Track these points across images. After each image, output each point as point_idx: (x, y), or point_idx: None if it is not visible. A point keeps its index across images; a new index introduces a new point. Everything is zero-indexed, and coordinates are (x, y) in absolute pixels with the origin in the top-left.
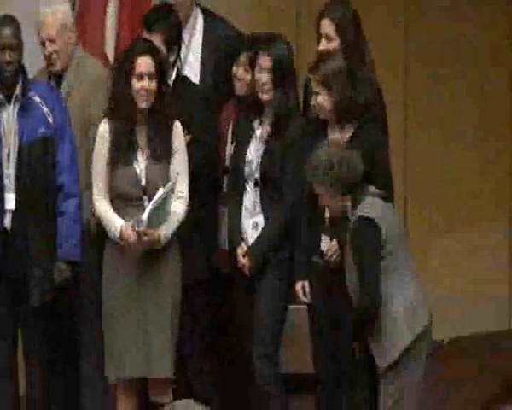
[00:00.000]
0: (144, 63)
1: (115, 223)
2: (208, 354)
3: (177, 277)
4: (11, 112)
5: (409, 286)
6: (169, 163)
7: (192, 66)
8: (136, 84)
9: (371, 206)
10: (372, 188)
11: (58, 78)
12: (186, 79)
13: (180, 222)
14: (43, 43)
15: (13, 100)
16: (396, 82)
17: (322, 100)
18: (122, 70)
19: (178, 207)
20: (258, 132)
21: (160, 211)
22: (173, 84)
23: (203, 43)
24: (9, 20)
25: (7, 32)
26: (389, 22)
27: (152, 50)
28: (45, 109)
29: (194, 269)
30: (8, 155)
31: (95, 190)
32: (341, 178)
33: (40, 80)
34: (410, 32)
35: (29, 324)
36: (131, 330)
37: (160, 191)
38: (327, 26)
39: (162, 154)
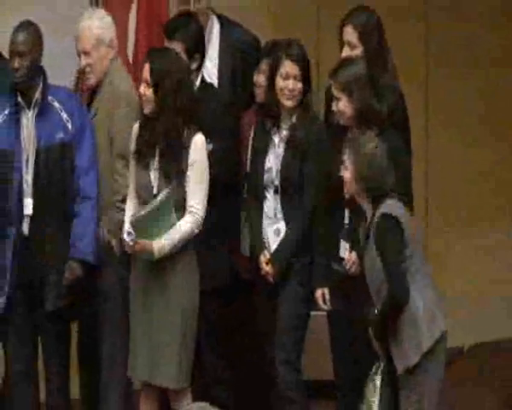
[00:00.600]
0: (144, 69)
1: (124, 228)
2: (226, 359)
3: (189, 286)
4: (30, 117)
5: (427, 290)
6: (183, 176)
7: (210, 71)
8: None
9: (393, 206)
10: (393, 193)
11: (93, 93)
12: (210, 85)
13: (184, 236)
14: (79, 56)
15: (32, 105)
16: (417, 84)
17: (343, 106)
18: None
19: (184, 220)
20: (275, 139)
21: (152, 220)
22: (197, 90)
23: (220, 49)
24: (25, 26)
25: (18, 38)
26: (409, 25)
27: (152, 56)
28: (64, 115)
29: (214, 276)
30: (28, 160)
31: (128, 191)
32: (371, 182)
33: (60, 86)
34: (430, 35)
35: (47, 330)
36: (140, 335)
37: (152, 203)
38: (350, 34)
39: (171, 173)
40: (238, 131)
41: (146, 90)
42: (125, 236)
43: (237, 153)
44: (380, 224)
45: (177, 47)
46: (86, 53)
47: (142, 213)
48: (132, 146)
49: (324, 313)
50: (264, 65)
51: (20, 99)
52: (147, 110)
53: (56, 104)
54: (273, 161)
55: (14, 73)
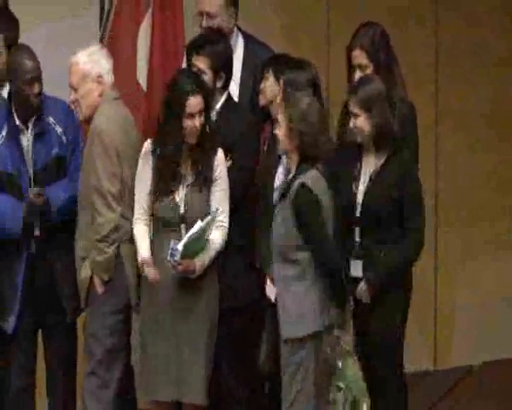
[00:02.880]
0: (195, 103)
1: (141, 253)
2: (241, 376)
3: (212, 303)
4: (30, 137)
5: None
6: (210, 192)
7: (232, 89)
8: (188, 123)
9: (315, 179)
10: (321, 167)
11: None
12: (236, 104)
13: (217, 251)
14: None
15: (30, 125)
16: (426, 88)
17: (361, 123)
18: (172, 108)
19: (217, 237)
20: (284, 159)
21: (197, 241)
22: (221, 108)
23: (243, 67)
24: (29, 51)
25: (33, 64)
26: (418, 30)
27: (201, 87)
28: (59, 129)
29: (234, 296)
30: (30, 179)
31: (135, 212)
32: (305, 137)
33: (59, 99)
34: (439, 39)
35: (54, 345)
36: (166, 354)
37: (199, 224)
38: (358, 57)
39: (204, 183)
40: (258, 150)
41: (200, 121)
42: (169, 257)
43: (254, 171)
44: (298, 194)
45: (203, 63)
46: (74, 88)
47: (192, 234)
48: (146, 170)
49: None
50: (265, 73)
51: (17, 120)
52: (196, 139)
53: (51, 119)
54: (282, 180)
55: (34, 98)
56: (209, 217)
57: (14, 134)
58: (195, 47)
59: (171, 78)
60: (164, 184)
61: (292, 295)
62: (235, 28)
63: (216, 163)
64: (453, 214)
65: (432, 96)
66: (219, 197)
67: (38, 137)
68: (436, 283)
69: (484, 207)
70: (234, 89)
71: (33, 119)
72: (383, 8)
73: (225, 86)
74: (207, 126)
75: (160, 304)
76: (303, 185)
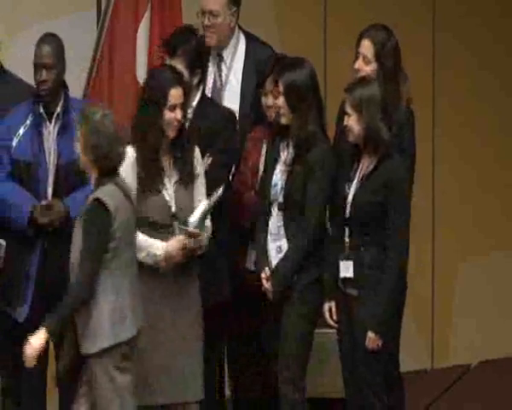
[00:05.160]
0: (177, 94)
1: (158, 246)
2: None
3: (198, 297)
4: (52, 130)
5: (125, 290)
6: (193, 188)
7: (234, 87)
8: (169, 115)
9: (111, 194)
10: (119, 179)
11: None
12: (210, 100)
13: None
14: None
15: (54, 119)
16: (424, 81)
17: (352, 122)
18: (152, 101)
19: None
20: (282, 156)
21: (201, 223)
22: (197, 105)
23: (244, 66)
24: (49, 39)
25: (43, 51)
26: (416, 34)
27: (182, 80)
28: None
29: (215, 292)
30: (48, 173)
31: None
32: (98, 150)
33: (80, 99)
34: (436, 42)
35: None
36: (164, 357)
37: (204, 202)
38: (366, 48)
39: (188, 178)
40: (239, 148)
41: (181, 114)
42: (185, 228)
43: (231, 167)
44: (89, 209)
45: (179, 63)
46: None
47: (203, 210)
48: (130, 176)
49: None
50: (268, 84)
51: (42, 110)
52: (175, 132)
53: (76, 117)
54: (279, 178)
55: (40, 85)
56: (215, 195)
57: (38, 124)
58: (169, 49)
59: (149, 72)
60: (150, 180)
61: (85, 310)
62: (237, 27)
63: (195, 160)
64: (450, 215)
65: (429, 100)
66: (202, 192)
67: (63, 132)
68: (433, 282)
69: (481, 208)
70: (236, 88)
71: (57, 111)
72: (380, 13)
73: (200, 82)
74: (185, 122)
75: (155, 307)
76: (95, 200)
